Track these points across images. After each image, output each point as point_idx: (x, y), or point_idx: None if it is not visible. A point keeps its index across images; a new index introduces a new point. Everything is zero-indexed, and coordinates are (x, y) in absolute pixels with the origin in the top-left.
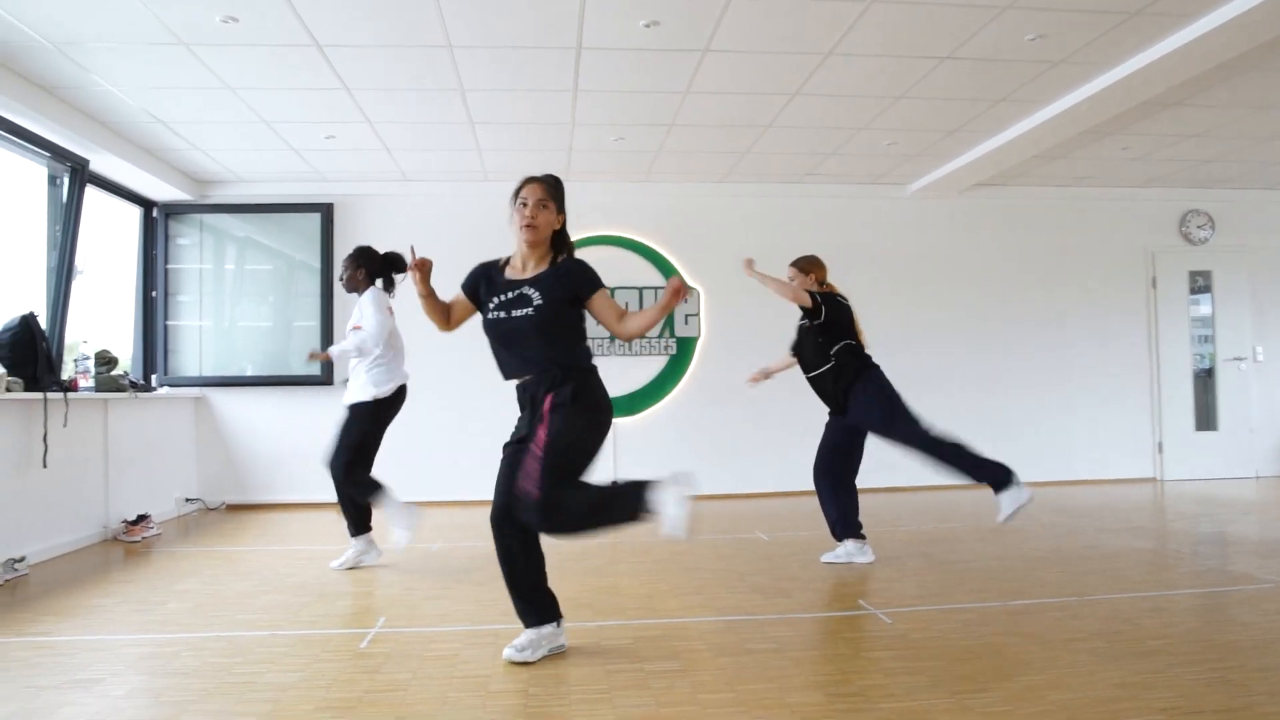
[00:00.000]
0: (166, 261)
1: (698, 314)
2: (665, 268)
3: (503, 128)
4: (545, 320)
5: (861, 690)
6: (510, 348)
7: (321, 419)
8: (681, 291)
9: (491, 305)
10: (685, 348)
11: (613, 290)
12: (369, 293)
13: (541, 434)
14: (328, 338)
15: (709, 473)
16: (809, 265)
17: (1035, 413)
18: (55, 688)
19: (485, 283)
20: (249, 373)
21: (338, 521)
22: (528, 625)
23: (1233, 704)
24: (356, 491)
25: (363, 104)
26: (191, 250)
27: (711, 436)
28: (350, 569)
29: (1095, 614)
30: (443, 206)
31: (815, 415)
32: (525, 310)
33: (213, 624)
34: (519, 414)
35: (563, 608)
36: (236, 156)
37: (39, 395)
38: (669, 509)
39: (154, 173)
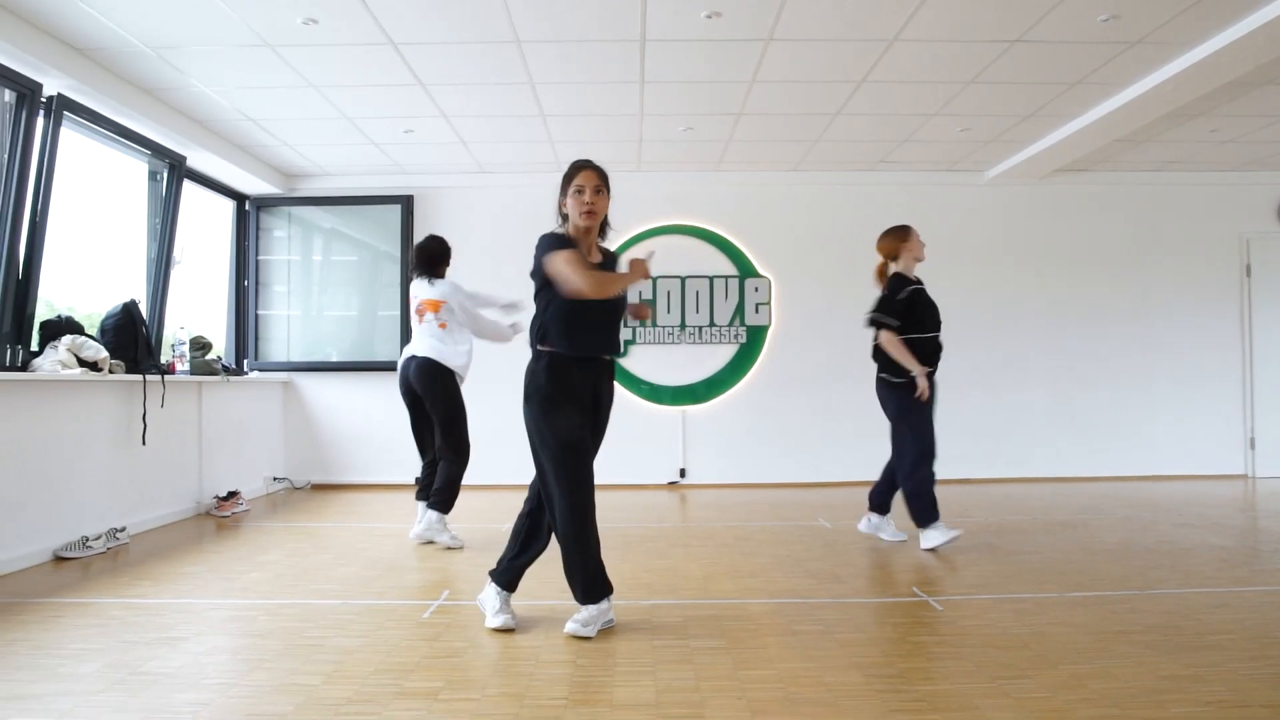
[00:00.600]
0: (258, 252)
1: (769, 303)
2: (736, 257)
3: (573, 120)
4: (621, 302)
5: (901, 673)
6: (598, 330)
7: (400, 404)
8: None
9: None
10: (755, 336)
11: (683, 279)
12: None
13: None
14: (407, 328)
15: (776, 461)
16: (885, 238)
17: (1118, 405)
18: (145, 644)
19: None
20: (334, 359)
21: (414, 501)
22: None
23: None
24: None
25: (438, 99)
26: (281, 241)
27: (780, 425)
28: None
29: (1156, 608)
30: (518, 196)
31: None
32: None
33: (290, 592)
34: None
35: (621, 586)
36: (322, 151)
37: (139, 377)
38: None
39: (246, 168)
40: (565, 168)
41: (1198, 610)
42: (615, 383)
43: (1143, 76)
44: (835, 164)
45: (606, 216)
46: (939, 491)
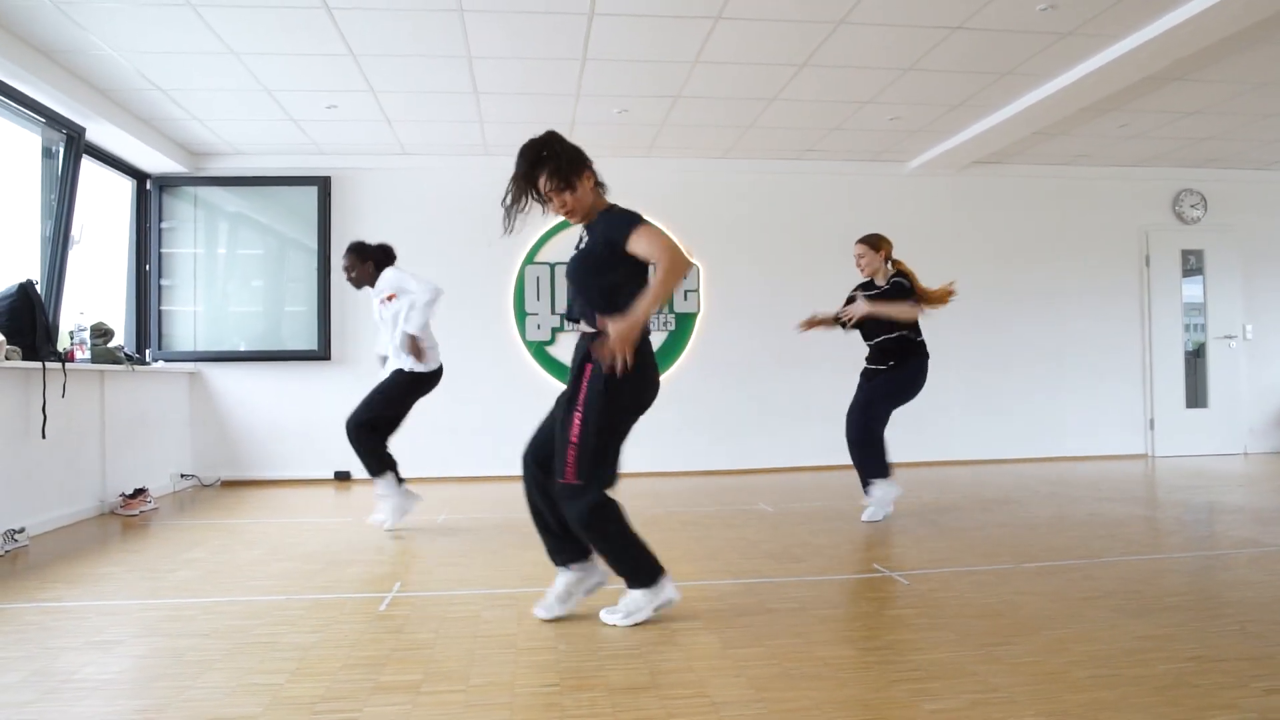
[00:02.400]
0: (160, 234)
1: (697, 289)
2: None
3: (507, 98)
4: (583, 266)
5: (890, 644)
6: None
7: (317, 395)
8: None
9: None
10: (684, 324)
11: None
12: (392, 271)
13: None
14: (324, 315)
15: (708, 448)
16: (880, 242)
17: (1029, 390)
18: (74, 649)
19: None
20: (242, 348)
21: (335, 496)
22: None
23: (1256, 653)
24: (363, 457)
25: (368, 72)
26: (186, 223)
27: (711, 412)
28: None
29: (1110, 574)
30: (440, 180)
31: (814, 393)
32: (575, 252)
33: (227, 590)
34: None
35: None
36: (234, 127)
37: (38, 365)
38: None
39: (149, 143)
40: (490, 150)
41: (1149, 575)
42: (547, 372)
43: (1068, 68)
44: (763, 152)
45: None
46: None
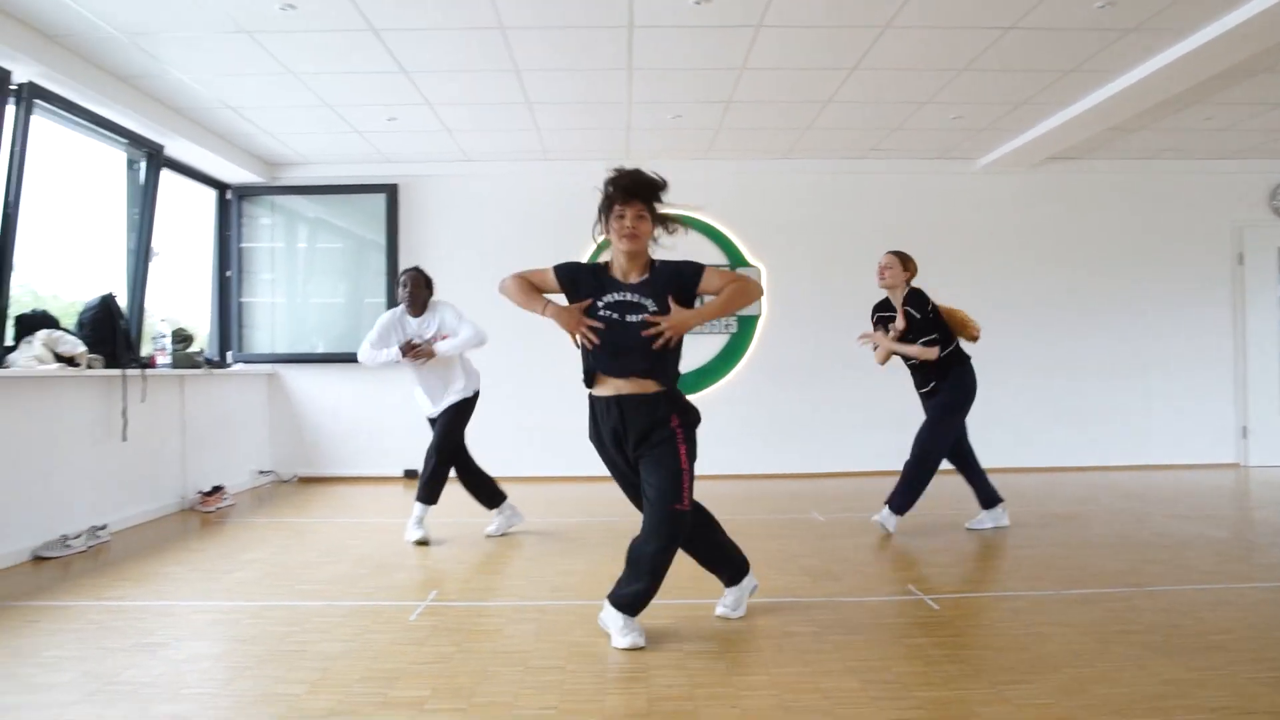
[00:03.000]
0: (240, 241)
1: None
2: (726, 246)
3: (560, 107)
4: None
5: (899, 677)
6: (617, 355)
7: (389, 394)
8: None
9: (601, 303)
10: (746, 326)
11: None
12: (448, 306)
13: (683, 451)
14: None
15: (766, 453)
16: (910, 262)
17: (1108, 395)
18: (124, 650)
19: (593, 279)
20: (320, 349)
21: (403, 494)
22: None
23: None
24: (476, 492)
25: (421, 86)
26: (264, 230)
27: (771, 415)
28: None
29: (1154, 605)
30: (504, 185)
31: (877, 397)
32: (638, 317)
33: (275, 594)
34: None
35: (609, 587)
36: (303, 140)
37: (118, 372)
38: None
39: (226, 156)
40: (549, 156)
41: (1197, 608)
42: None
43: (1138, 64)
44: (826, 152)
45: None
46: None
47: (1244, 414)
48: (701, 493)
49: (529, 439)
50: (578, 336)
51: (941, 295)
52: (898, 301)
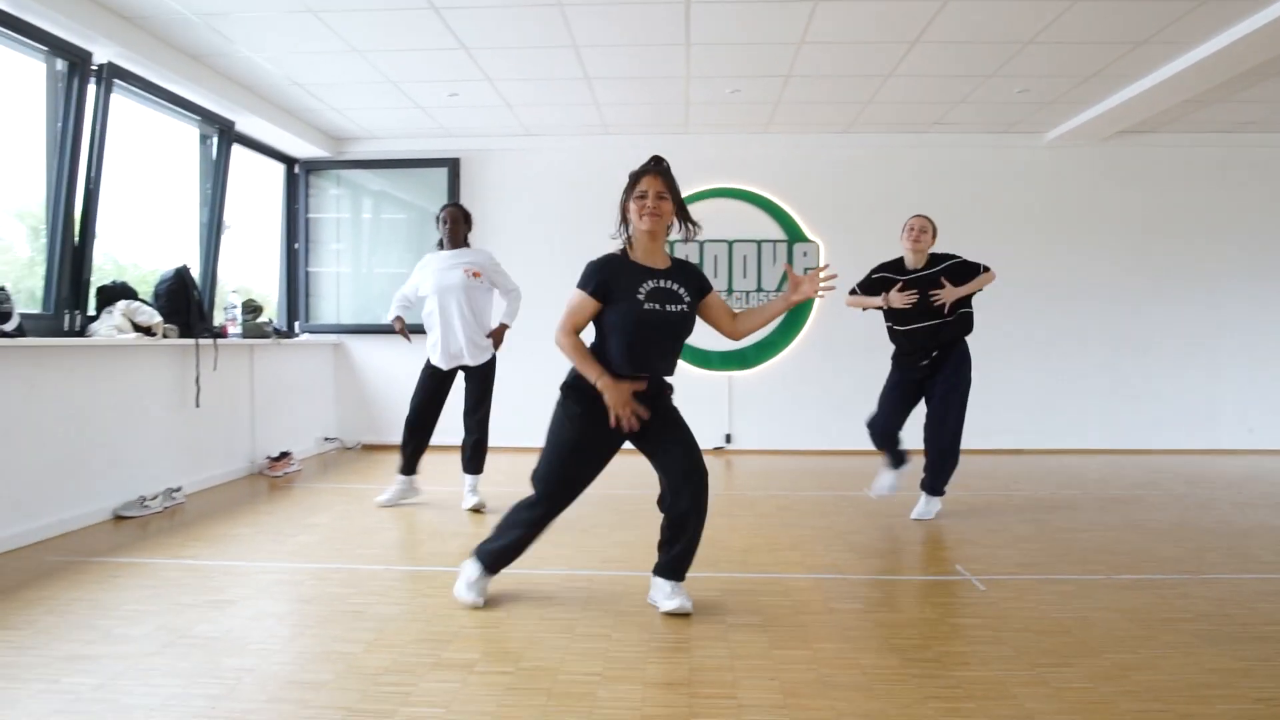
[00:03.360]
0: (307, 210)
1: (816, 266)
2: (785, 220)
3: (619, 82)
4: (689, 320)
5: (939, 656)
6: (656, 344)
7: None
8: (808, 290)
9: (641, 294)
10: (804, 302)
11: (730, 243)
12: (487, 253)
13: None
14: None
15: (822, 428)
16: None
17: (1181, 376)
18: (196, 606)
19: (623, 273)
20: (383, 320)
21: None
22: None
23: None
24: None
25: (481, 62)
26: (330, 202)
27: (826, 391)
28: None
29: (1208, 594)
30: (564, 159)
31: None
32: (679, 306)
33: (337, 556)
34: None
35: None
36: (368, 115)
37: (191, 341)
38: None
39: (294, 132)
40: (610, 130)
41: (1252, 598)
42: None
43: (1216, 34)
44: (888, 126)
45: (690, 219)
46: (976, 462)
47: None
48: (756, 468)
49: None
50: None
51: (1009, 272)
52: (915, 264)
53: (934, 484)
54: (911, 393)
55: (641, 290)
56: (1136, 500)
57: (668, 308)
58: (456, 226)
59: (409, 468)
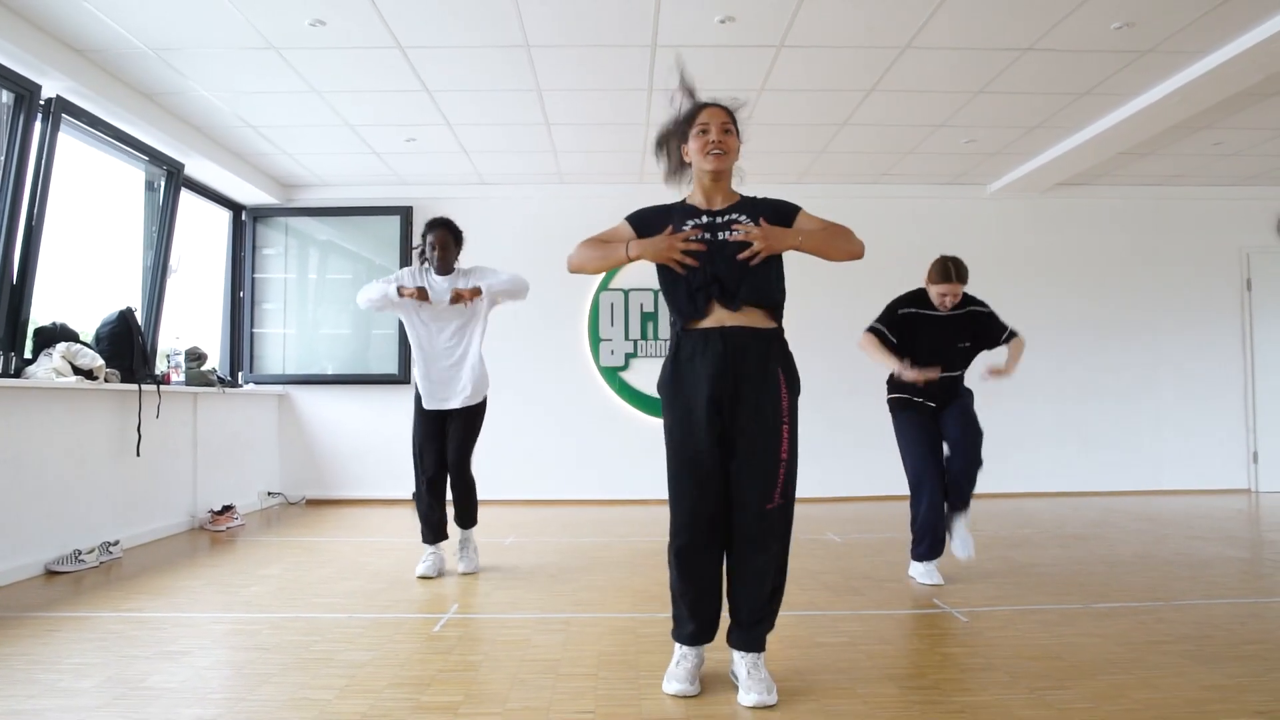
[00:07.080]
0: (254, 269)
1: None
2: None
3: (578, 129)
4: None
5: (936, 684)
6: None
7: (399, 417)
8: None
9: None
10: None
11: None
12: (481, 268)
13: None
14: (405, 340)
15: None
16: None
17: (1121, 420)
18: (146, 658)
19: (663, 216)
20: (330, 371)
21: (412, 515)
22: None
23: None
24: (474, 503)
25: (443, 106)
26: (276, 258)
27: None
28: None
29: (1185, 618)
30: (518, 209)
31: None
32: (731, 234)
33: (293, 606)
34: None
35: (635, 600)
36: (321, 160)
37: (134, 387)
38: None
39: (243, 176)
40: (565, 179)
41: (1227, 621)
42: (622, 399)
43: (1151, 87)
44: (839, 176)
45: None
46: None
47: (1254, 439)
48: None
49: (555, 461)
50: (675, 265)
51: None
52: (941, 306)
53: (967, 496)
54: (934, 430)
55: (686, 225)
56: (1095, 537)
57: (718, 236)
58: (447, 251)
59: (436, 535)
